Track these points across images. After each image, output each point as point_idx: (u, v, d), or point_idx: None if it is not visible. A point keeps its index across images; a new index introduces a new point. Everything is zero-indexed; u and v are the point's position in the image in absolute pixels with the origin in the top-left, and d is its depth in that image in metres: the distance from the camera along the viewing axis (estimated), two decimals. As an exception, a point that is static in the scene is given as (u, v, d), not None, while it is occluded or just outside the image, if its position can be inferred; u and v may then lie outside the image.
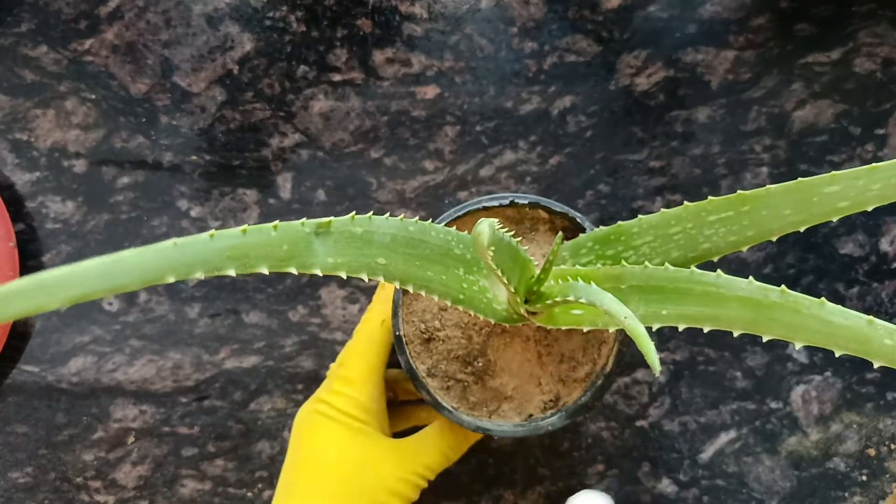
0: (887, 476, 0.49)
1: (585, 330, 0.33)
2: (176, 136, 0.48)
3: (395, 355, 0.38)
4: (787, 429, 0.49)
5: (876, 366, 0.24)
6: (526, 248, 0.31)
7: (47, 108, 0.48)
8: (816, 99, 0.48)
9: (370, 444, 0.37)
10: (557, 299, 0.28)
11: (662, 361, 0.48)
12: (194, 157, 0.48)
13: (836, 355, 0.25)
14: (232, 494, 0.48)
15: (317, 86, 0.48)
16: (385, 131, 0.48)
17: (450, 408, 0.36)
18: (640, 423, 0.48)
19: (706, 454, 0.49)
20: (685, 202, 0.30)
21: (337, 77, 0.48)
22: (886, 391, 0.49)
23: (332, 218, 0.27)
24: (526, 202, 0.37)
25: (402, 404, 0.44)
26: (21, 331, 0.48)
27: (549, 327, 0.34)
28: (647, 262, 0.30)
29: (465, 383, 0.37)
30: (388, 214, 0.29)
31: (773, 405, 0.49)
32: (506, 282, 0.28)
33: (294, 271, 0.26)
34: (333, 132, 0.48)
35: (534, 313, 0.32)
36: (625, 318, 0.24)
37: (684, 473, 0.49)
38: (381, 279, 0.28)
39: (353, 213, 0.28)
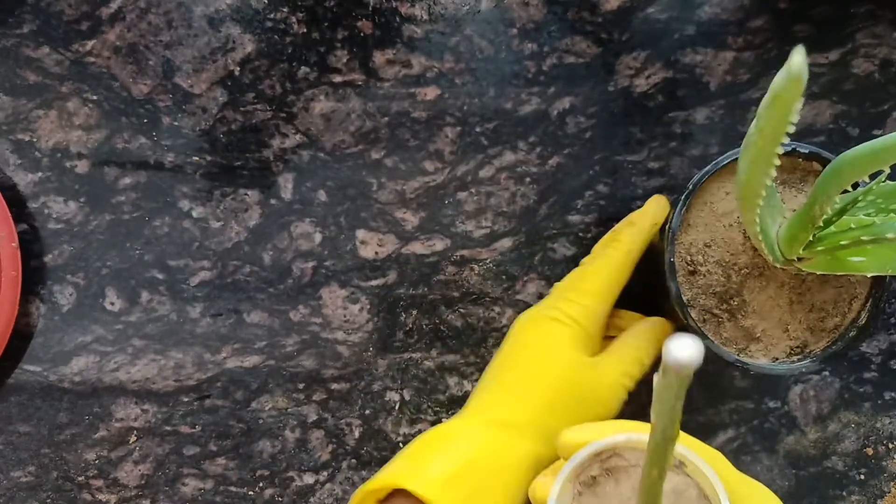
0: (885, 475, 0.49)
1: (853, 278, 0.36)
2: (177, 136, 0.48)
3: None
4: (785, 428, 0.49)
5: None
6: (795, 196, 0.35)
7: (49, 109, 0.48)
8: (815, 100, 0.48)
9: (590, 355, 0.39)
10: (843, 243, 0.30)
11: (660, 361, 0.49)
12: (196, 158, 0.48)
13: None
14: (233, 493, 0.48)
15: (318, 87, 0.48)
16: (385, 132, 0.48)
17: (710, 338, 0.39)
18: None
19: (705, 453, 0.49)
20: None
21: (338, 78, 0.48)
22: (884, 391, 0.49)
23: None
24: (806, 151, 0.39)
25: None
26: (23, 330, 0.48)
27: (804, 276, 0.37)
28: None
29: (720, 319, 0.39)
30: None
31: (772, 404, 0.49)
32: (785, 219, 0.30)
33: None
34: (334, 133, 0.48)
35: (801, 259, 0.34)
36: None
37: (683, 472, 0.49)
38: None
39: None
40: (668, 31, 0.48)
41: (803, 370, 0.39)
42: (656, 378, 0.20)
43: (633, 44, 0.48)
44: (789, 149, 0.38)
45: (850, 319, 0.40)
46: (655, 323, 0.42)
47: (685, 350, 0.17)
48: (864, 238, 0.31)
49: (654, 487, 0.25)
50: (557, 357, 0.39)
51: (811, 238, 0.34)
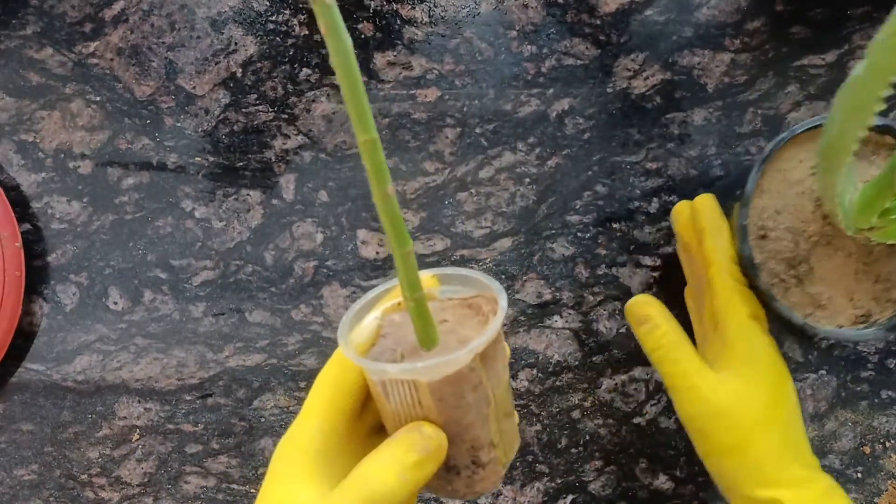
0: (882, 473, 0.49)
1: None
2: (180, 137, 0.48)
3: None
4: (782, 426, 0.49)
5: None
6: (867, 168, 0.35)
7: (53, 110, 0.48)
8: (811, 101, 0.49)
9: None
10: None
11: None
12: (198, 159, 0.49)
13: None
14: (235, 491, 0.48)
15: (319, 88, 0.48)
16: (386, 133, 0.49)
17: (779, 300, 0.39)
18: (637, 420, 0.49)
19: (702, 451, 0.49)
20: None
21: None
22: (881, 389, 0.49)
23: None
24: (880, 124, 0.39)
25: None
26: (26, 330, 0.48)
27: (872, 247, 0.38)
28: None
29: (787, 285, 0.40)
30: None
31: (769, 403, 0.49)
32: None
33: None
34: (335, 134, 0.49)
35: (872, 228, 0.35)
36: None
37: (681, 470, 0.49)
38: None
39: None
40: (665, 33, 0.48)
41: (870, 338, 0.39)
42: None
43: (631, 46, 0.48)
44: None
45: None
46: (408, 430, 0.28)
47: None
48: None
49: (418, 312, 0.27)
50: None
51: (886, 206, 0.35)
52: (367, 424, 0.32)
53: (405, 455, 0.27)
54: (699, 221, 0.42)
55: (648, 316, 0.41)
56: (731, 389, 0.38)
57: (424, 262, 0.49)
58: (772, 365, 0.39)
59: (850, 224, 0.37)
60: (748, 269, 0.40)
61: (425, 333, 0.28)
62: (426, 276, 0.31)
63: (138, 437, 0.48)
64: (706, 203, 0.42)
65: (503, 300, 0.28)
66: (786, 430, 0.38)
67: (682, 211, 0.44)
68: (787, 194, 0.41)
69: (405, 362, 0.28)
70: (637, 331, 0.41)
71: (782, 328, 0.49)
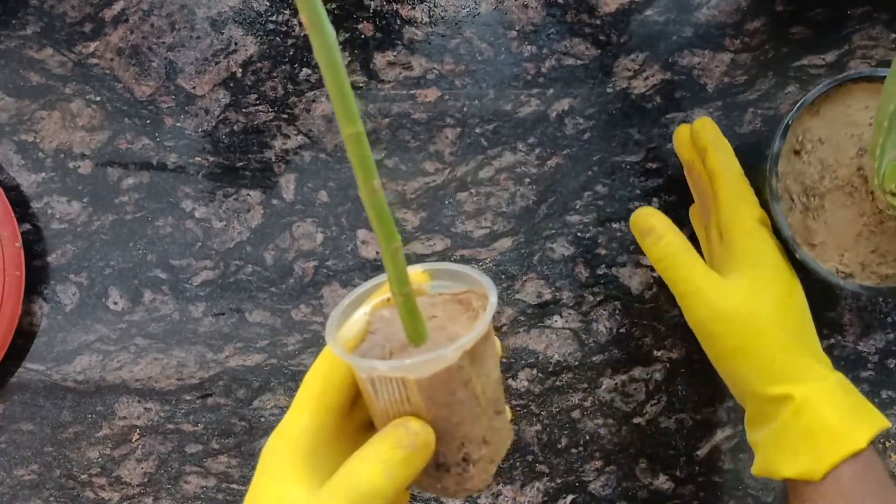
0: (881, 473, 0.49)
1: None
2: (180, 137, 0.48)
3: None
4: (782, 426, 0.49)
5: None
6: None
7: (53, 110, 0.48)
8: (811, 101, 0.49)
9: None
10: None
11: (659, 360, 0.49)
12: (198, 159, 0.49)
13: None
14: (235, 491, 0.48)
15: (319, 88, 0.48)
16: (386, 133, 0.49)
17: (781, 209, 0.40)
18: (637, 420, 0.49)
19: (702, 451, 0.49)
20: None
21: (339, 79, 0.49)
22: (881, 389, 0.50)
23: None
24: None
25: None
26: (26, 330, 0.48)
27: (885, 218, 0.39)
28: None
29: (793, 206, 0.41)
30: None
31: (769, 403, 0.49)
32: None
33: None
34: (335, 134, 0.49)
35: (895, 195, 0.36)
36: None
37: (681, 470, 0.49)
38: None
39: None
40: (666, 33, 0.48)
41: (840, 285, 0.40)
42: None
43: (631, 46, 0.48)
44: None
45: None
46: (394, 426, 0.28)
47: None
48: None
49: (406, 308, 0.27)
50: None
51: None
52: (357, 421, 0.32)
53: (391, 452, 0.27)
54: (700, 140, 0.43)
55: (653, 227, 0.41)
56: (738, 291, 0.38)
57: (424, 262, 0.49)
58: (779, 265, 0.39)
59: (880, 182, 0.37)
60: (769, 164, 0.40)
61: (414, 330, 0.27)
62: (416, 272, 0.31)
63: (138, 437, 0.48)
64: (706, 124, 0.43)
65: (493, 296, 0.28)
66: (796, 328, 0.39)
67: (682, 133, 0.45)
68: (839, 130, 0.41)
69: (394, 359, 0.28)
70: (643, 242, 0.41)
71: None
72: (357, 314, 0.31)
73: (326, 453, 0.29)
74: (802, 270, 0.41)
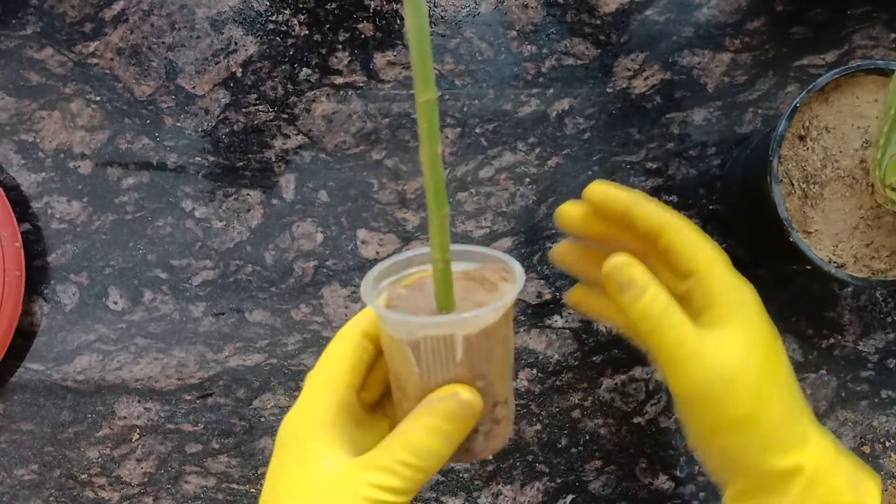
0: (882, 473, 0.49)
1: None
2: (180, 137, 0.48)
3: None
4: (782, 426, 0.49)
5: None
6: None
7: (53, 110, 0.48)
8: (811, 101, 0.49)
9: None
10: None
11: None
12: (198, 159, 0.49)
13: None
14: (235, 490, 0.48)
15: (319, 88, 0.48)
16: (386, 133, 0.49)
17: (779, 191, 0.40)
18: (636, 419, 0.49)
19: (702, 451, 0.49)
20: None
21: (339, 80, 0.49)
22: (881, 389, 0.50)
23: None
24: None
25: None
26: (26, 330, 0.48)
27: (883, 213, 0.39)
28: None
29: (792, 191, 0.41)
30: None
31: (769, 403, 0.49)
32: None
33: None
34: (335, 134, 0.49)
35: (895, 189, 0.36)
36: None
37: (681, 469, 0.49)
38: None
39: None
40: (666, 33, 0.48)
41: (839, 276, 0.40)
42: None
43: (631, 46, 0.48)
44: None
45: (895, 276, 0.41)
46: (444, 396, 0.29)
47: None
48: None
49: (443, 274, 0.28)
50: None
51: None
52: (365, 401, 0.33)
53: (447, 423, 0.28)
54: (612, 204, 0.36)
55: (632, 279, 0.34)
56: (736, 350, 0.33)
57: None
58: (763, 313, 0.35)
59: (881, 175, 0.37)
60: (773, 142, 0.40)
61: (446, 297, 0.28)
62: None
63: (138, 436, 0.49)
64: (607, 187, 0.36)
65: (516, 264, 0.30)
66: (792, 385, 0.34)
67: (572, 210, 0.38)
68: (846, 120, 0.41)
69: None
70: (620, 298, 0.34)
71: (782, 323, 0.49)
72: (379, 287, 0.32)
73: (348, 428, 0.30)
74: (792, 258, 0.41)
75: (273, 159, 0.49)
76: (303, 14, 0.49)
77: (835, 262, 0.41)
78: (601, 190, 0.36)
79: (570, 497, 0.49)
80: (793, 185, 0.41)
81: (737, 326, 0.34)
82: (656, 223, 0.35)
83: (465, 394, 0.28)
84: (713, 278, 0.34)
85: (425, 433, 0.28)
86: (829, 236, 0.41)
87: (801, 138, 0.41)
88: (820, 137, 0.41)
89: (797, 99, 0.40)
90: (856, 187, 0.41)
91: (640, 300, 0.34)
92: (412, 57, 0.24)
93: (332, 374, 0.31)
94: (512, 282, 0.29)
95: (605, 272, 0.35)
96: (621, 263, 0.34)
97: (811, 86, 0.40)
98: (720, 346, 0.33)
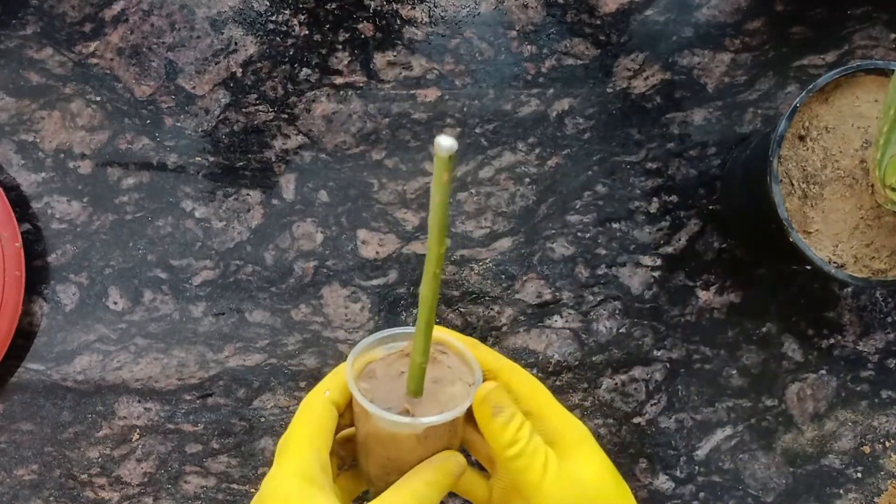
0: (882, 473, 0.49)
1: None
2: (180, 137, 0.48)
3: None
4: (782, 426, 0.49)
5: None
6: None
7: (53, 110, 0.48)
8: (811, 101, 0.49)
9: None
10: None
11: (658, 360, 0.49)
12: (198, 159, 0.49)
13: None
14: (235, 490, 0.48)
15: (319, 88, 0.48)
16: (386, 133, 0.49)
17: (780, 191, 0.40)
18: (636, 420, 0.49)
19: (702, 451, 0.49)
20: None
21: (339, 80, 0.49)
22: (881, 389, 0.50)
23: None
24: None
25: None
26: (27, 330, 0.48)
27: (883, 213, 0.40)
28: None
29: (792, 192, 0.41)
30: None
31: (769, 402, 0.49)
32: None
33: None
34: (335, 134, 0.49)
35: (894, 189, 0.37)
36: None
37: (681, 470, 0.49)
38: None
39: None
40: (666, 33, 0.48)
41: (839, 276, 0.40)
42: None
43: (631, 46, 0.48)
44: None
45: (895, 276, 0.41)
46: (444, 458, 0.33)
47: (447, 140, 0.23)
48: None
49: (419, 370, 0.31)
50: None
51: None
52: (336, 461, 0.36)
53: (446, 478, 0.33)
54: (519, 389, 0.36)
55: (506, 404, 0.34)
56: (593, 471, 0.35)
57: (422, 260, 0.49)
58: (599, 447, 0.37)
59: (881, 175, 0.38)
60: (773, 143, 0.40)
61: (418, 385, 0.32)
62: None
63: (138, 436, 0.49)
64: (497, 387, 0.35)
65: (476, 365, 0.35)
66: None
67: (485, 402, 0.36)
68: (846, 121, 0.41)
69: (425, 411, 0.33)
70: (493, 421, 0.33)
71: (783, 329, 0.49)
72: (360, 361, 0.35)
73: (329, 484, 0.32)
74: (792, 258, 0.41)
75: (273, 159, 0.49)
76: (303, 14, 0.49)
77: (835, 263, 0.41)
78: (497, 392, 0.35)
79: (570, 497, 0.49)
80: (793, 185, 0.41)
81: (590, 455, 0.36)
82: (493, 365, 0.37)
83: (460, 457, 0.34)
84: (556, 416, 0.37)
85: (428, 484, 0.33)
86: (829, 236, 0.41)
87: (801, 138, 0.41)
88: (820, 137, 0.41)
89: (797, 99, 0.40)
90: (856, 188, 0.41)
91: (511, 423, 0.34)
92: (430, 220, 0.28)
93: (311, 435, 0.33)
94: (471, 379, 0.34)
95: (480, 397, 0.34)
96: (496, 388, 0.35)
97: (811, 86, 0.40)
98: (580, 469, 0.35)
